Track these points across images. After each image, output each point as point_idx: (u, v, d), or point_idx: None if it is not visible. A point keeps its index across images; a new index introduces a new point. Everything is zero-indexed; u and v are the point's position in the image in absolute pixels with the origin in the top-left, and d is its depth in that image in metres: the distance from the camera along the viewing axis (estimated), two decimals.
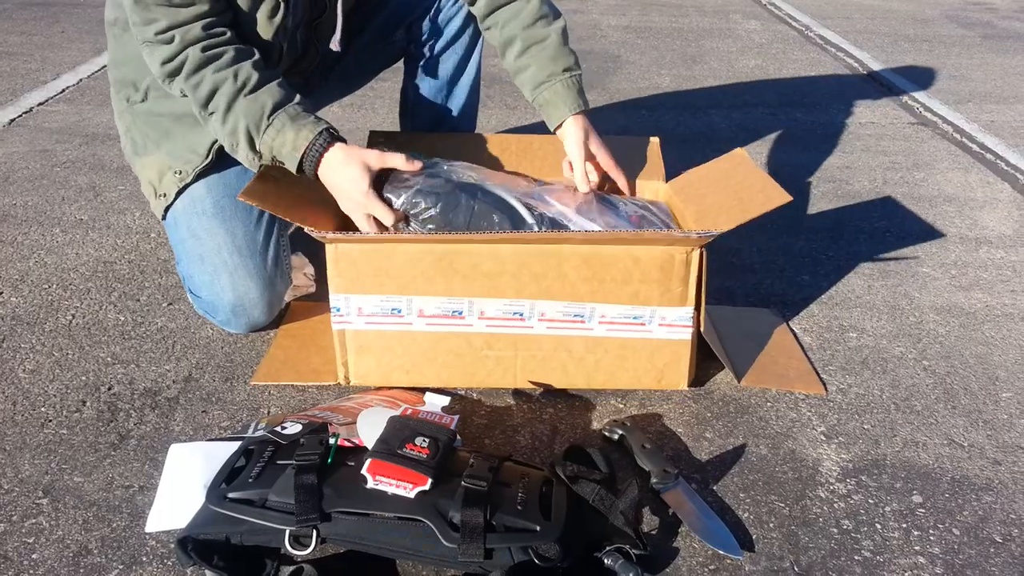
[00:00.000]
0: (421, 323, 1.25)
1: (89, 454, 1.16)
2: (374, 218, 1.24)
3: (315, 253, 1.54)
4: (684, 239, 1.19)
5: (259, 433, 1.09)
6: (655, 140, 1.53)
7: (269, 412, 1.25)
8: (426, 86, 1.58)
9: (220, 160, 1.36)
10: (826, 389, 1.33)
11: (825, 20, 3.88)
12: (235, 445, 1.05)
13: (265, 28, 1.28)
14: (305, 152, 1.21)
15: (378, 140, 1.51)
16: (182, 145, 1.37)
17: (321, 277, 1.51)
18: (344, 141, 1.23)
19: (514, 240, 1.20)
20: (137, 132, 1.41)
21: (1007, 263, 1.75)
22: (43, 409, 1.25)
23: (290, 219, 1.22)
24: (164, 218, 1.41)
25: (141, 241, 1.75)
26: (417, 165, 1.25)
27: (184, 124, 1.36)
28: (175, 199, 1.38)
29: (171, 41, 1.22)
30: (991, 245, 1.82)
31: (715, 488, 1.13)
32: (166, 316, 1.49)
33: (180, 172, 1.37)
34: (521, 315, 1.24)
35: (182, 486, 1.06)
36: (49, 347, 1.40)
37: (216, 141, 1.33)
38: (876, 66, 3.15)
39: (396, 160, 1.24)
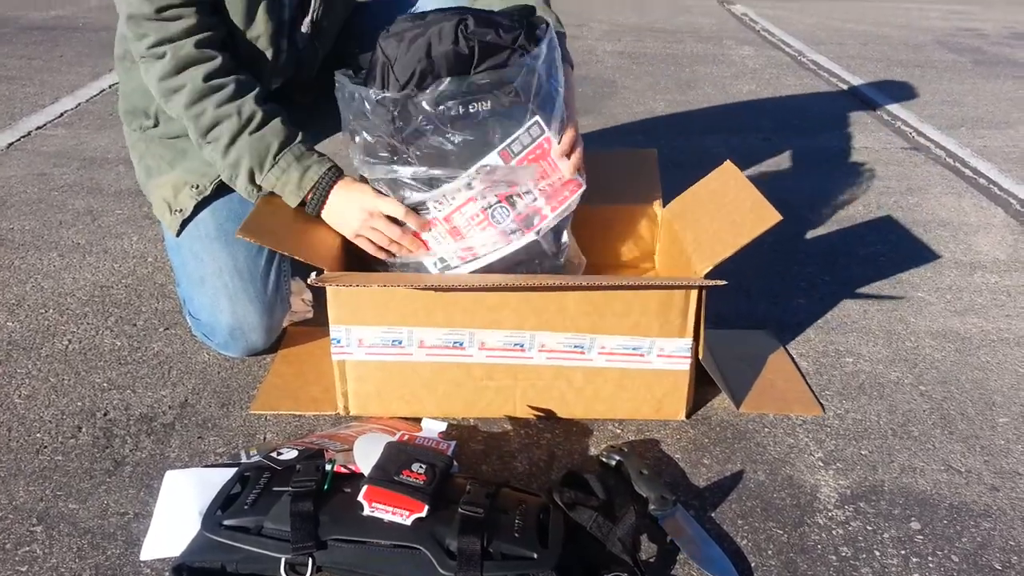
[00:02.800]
0: (421, 354, 1.25)
1: (84, 481, 1.15)
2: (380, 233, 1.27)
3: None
4: (685, 286, 1.22)
5: (253, 459, 1.09)
6: (652, 152, 1.55)
7: (265, 438, 1.25)
8: None
9: None
10: (824, 410, 1.34)
11: (818, 46, 3.92)
12: (231, 471, 1.04)
13: (258, 28, 1.31)
14: (311, 191, 1.26)
15: None
16: (198, 161, 1.37)
17: (319, 303, 1.52)
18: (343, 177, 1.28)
19: (514, 287, 1.21)
20: (151, 157, 1.42)
21: (1001, 288, 1.76)
22: (38, 435, 1.24)
23: (289, 253, 1.23)
24: (179, 234, 1.40)
25: (138, 265, 1.75)
26: (414, 221, 1.27)
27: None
28: (193, 213, 1.38)
29: (163, 56, 1.25)
30: (985, 270, 1.83)
31: (713, 515, 1.12)
32: (163, 341, 1.49)
33: (198, 186, 1.38)
34: (521, 346, 1.25)
35: (177, 513, 1.05)
36: (45, 372, 1.39)
37: None
38: (869, 91, 3.18)
39: (390, 207, 1.26)
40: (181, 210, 1.38)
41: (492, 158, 1.21)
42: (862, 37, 4.16)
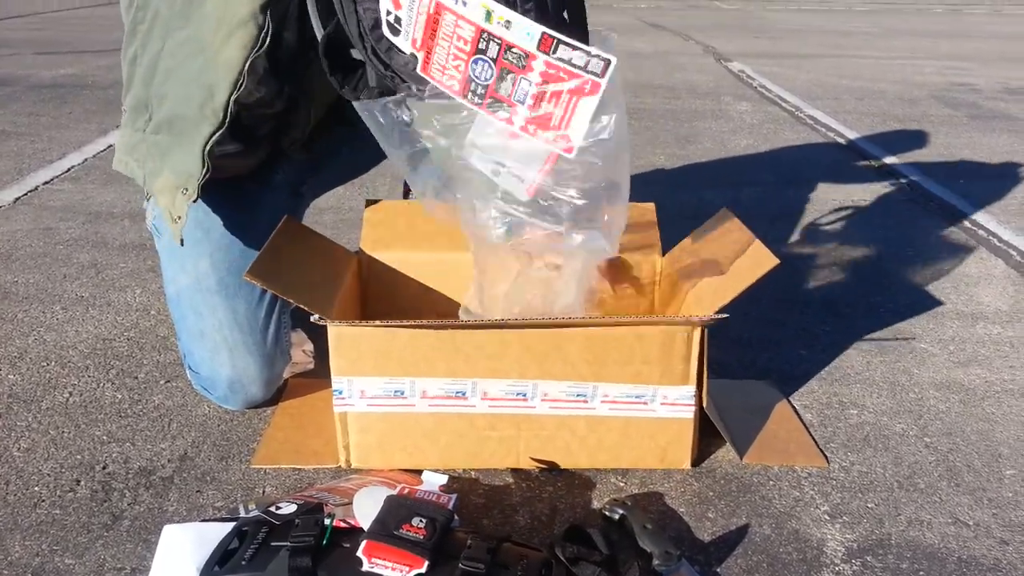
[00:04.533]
0: (424, 404, 1.24)
1: (81, 535, 1.14)
2: None
3: (315, 330, 1.54)
4: (686, 322, 1.21)
5: (252, 513, 1.08)
6: (651, 206, 1.56)
7: (264, 492, 1.24)
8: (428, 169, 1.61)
9: (215, 171, 1.32)
10: (828, 461, 1.32)
11: (814, 101, 3.99)
12: (229, 526, 1.03)
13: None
14: None
15: (375, 209, 1.53)
16: (179, 156, 1.33)
17: (320, 354, 1.52)
18: None
19: (517, 325, 1.21)
20: (149, 159, 1.38)
21: (1004, 339, 1.75)
22: (36, 488, 1.23)
23: (294, 300, 1.23)
24: (183, 244, 1.38)
25: (141, 318, 1.76)
26: None
27: (174, 131, 1.33)
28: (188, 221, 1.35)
29: None
30: (988, 321, 1.83)
31: (719, 570, 1.10)
32: (163, 394, 1.48)
33: (186, 190, 1.33)
34: (524, 395, 1.24)
35: (175, 568, 1.04)
36: (45, 425, 1.39)
37: (207, 144, 1.29)
38: (866, 145, 3.22)
39: None
40: (180, 217, 1.35)
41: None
42: (858, 92, 4.23)
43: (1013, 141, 3.34)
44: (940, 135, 3.40)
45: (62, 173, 2.72)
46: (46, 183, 2.63)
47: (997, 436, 1.41)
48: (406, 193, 1.72)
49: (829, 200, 2.60)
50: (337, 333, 1.21)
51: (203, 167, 1.31)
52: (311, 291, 1.25)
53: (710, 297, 1.27)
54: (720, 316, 1.19)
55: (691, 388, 1.24)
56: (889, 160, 3.03)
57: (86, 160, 2.86)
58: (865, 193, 2.67)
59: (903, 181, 2.80)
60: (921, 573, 1.10)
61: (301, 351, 1.56)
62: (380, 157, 1.68)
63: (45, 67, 4.42)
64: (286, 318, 1.44)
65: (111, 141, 3.07)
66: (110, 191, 2.55)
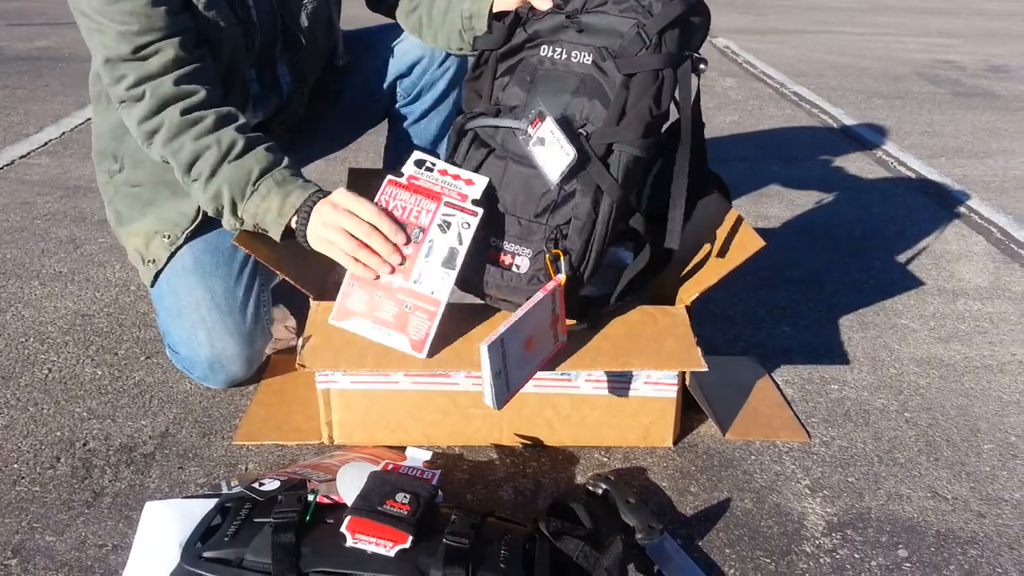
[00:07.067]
0: (407, 381, 1.24)
1: (62, 512, 1.13)
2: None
3: (298, 306, 1.53)
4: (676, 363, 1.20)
5: (234, 490, 1.08)
6: None
7: (247, 468, 1.23)
8: (409, 146, 1.60)
9: (208, 220, 1.35)
10: (809, 436, 1.33)
11: (799, 77, 3.98)
12: (212, 502, 1.03)
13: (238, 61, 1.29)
14: (293, 216, 1.17)
15: (358, 177, 1.52)
16: (169, 210, 1.36)
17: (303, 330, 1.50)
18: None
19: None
20: (120, 203, 1.41)
21: (984, 315, 1.77)
22: (16, 466, 1.22)
23: (279, 272, 1.22)
24: (152, 285, 1.39)
25: (120, 294, 1.74)
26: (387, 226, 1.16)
27: (165, 191, 1.36)
28: (165, 264, 1.37)
29: (143, 97, 1.19)
30: (968, 297, 1.84)
31: (700, 544, 1.11)
32: (144, 370, 1.47)
33: (168, 236, 1.36)
34: None
35: (157, 545, 1.03)
36: (24, 402, 1.37)
37: None
38: (850, 122, 3.22)
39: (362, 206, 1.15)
40: (154, 260, 1.37)
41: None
42: (843, 69, 4.22)
43: (995, 118, 3.35)
44: (923, 112, 3.41)
45: (39, 147, 2.68)
46: (23, 157, 2.58)
47: (976, 411, 1.43)
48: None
49: (812, 177, 2.60)
50: (318, 309, 1.20)
51: (196, 220, 1.35)
52: (298, 265, 1.24)
53: (696, 278, 1.27)
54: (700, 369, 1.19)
55: None
56: (872, 137, 3.03)
57: (63, 134, 2.82)
58: (848, 170, 2.67)
59: (886, 158, 2.80)
60: (900, 546, 1.12)
61: (283, 327, 1.55)
62: (361, 130, 1.68)
63: (19, 39, 4.33)
64: (266, 295, 1.42)
65: (89, 115, 3.02)
66: (88, 165, 2.52)
